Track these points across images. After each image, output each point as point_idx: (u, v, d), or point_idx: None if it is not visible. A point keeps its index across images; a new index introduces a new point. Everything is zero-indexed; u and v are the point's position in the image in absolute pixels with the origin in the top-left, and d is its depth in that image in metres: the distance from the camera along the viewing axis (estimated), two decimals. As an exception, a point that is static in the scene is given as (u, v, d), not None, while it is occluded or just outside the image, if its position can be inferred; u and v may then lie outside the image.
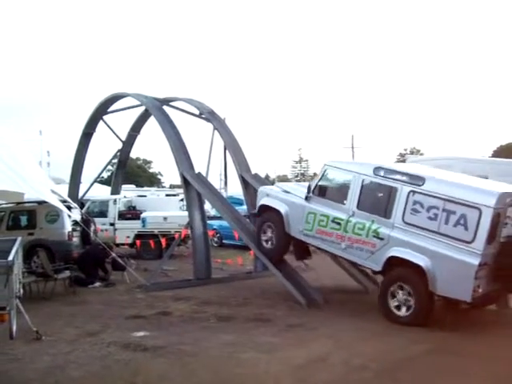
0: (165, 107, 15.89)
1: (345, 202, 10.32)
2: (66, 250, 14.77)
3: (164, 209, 19.96)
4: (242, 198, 15.88)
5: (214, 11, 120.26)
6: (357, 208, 10.10)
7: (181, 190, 19.76)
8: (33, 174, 12.26)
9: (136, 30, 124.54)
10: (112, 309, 10.65)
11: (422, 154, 62.41)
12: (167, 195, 26.62)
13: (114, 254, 13.62)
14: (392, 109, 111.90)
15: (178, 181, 17.91)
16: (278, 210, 11.34)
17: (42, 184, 12.51)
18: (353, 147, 57.70)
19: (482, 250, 8.45)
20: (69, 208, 14.56)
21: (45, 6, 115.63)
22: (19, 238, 8.59)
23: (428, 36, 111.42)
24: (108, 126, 19.06)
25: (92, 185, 21.74)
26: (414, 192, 9.32)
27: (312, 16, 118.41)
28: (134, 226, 19.39)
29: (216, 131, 16.05)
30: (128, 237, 19.26)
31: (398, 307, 9.26)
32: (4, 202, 17.17)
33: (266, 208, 11.75)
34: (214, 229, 21.42)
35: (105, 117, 18.70)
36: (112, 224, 19.76)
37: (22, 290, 8.18)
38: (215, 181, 40.26)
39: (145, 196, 25.14)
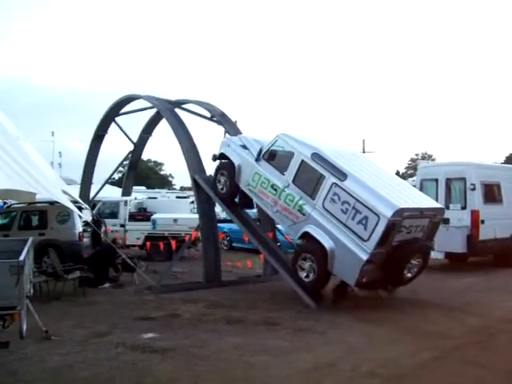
0: (176, 109, 15.92)
1: (285, 173, 11.45)
2: (76, 250, 14.84)
3: (174, 211, 20.02)
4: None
5: (228, 15, 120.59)
6: (292, 182, 11.26)
7: (191, 193, 19.82)
8: (45, 174, 12.32)
9: (149, 31, 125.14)
10: (121, 310, 10.68)
11: (433, 160, 62.33)
12: (178, 197, 26.68)
13: (123, 255, 13.66)
14: (404, 114, 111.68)
15: (188, 183, 18.01)
16: (232, 161, 12.60)
17: (53, 184, 12.55)
18: (364, 152, 57.43)
19: (372, 249, 9.79)
20: (80, 209, 14.62)
21: (58, 7, 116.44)
22: (30, 238, 8.62)
23: (443, 41, 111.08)
24: (120, 127, 19.14)
25: (103, 186, 21.84)
26: (336, 184, 10.46)
27: (327, 22, 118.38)
28: (145, 227, 19.47)
29: (227, 134, 16.06)
30: (138, 238, 19.32)
31: (304, 273, 10.79)
32: (16, 202, 17.28)
33: (223, 156, 13.01)
34: (224, 232, 21.42)
35: (117, 118, 18.77)
36: (122, 225, 19.86)
37: (32, 290, 8.21)
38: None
39: (155, 198, 25.23)
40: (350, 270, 10.10)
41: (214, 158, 13.41)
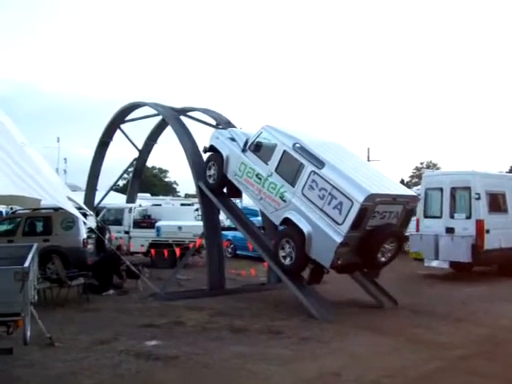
0: (182, 117, 15.94)
1: (268, 162, 12.01)
2: (80, 256, 14.84)
3: (179, 218, 20.01)
4: (257, 209, 15.86)
5: (233, 23, 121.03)
6: (275, 171, 11.82)
7: (196, 200, 19.80)
8: (50, 180, 12.34)
9: (155, 40, 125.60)
10: (125, 317, 10.67)
11: (438, 168, 62.18)
12: (182, 205, 26.68)
13: (128, 262, 13.64)
14: (409, 122, 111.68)
15: (193, 190, 18.02)
16: (221, 152, 13.13)
17: (58, 191, 12.58)
18: (369, 160, 57.36)
19: (346, 232, 10.24)
20: (84, 215, 14.63)
21: (65, 15, 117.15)
22: (35, 245, 8.62)
23: (449, 50, 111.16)
24: (125, 134, 19.16)
25: (108, 193, 21.85)
26: (314, 172, 10.97)
27: (332, 31, 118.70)
28: (149, 234, 19.46)
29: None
30: (142, 245, 19.32)
31: (284, 257, 11.30)
32: (20, 208, 17.31)
33: (213, 149, 13.50)
34: (228, 239, 21.40)
35: (122, 125, 18.81)
36: (127, 232, 19.85)
37: (36, 297, 8.22)
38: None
39: (160, 205, 25.22)
40: (326, 253, 10.59)
41: (205, 150, 13.93)
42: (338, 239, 10.32)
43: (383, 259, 11.09)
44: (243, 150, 12.66)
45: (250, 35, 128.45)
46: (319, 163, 11.01)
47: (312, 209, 10.89)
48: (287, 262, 11.32)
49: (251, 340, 8.90)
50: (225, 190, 13.87)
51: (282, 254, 11.40)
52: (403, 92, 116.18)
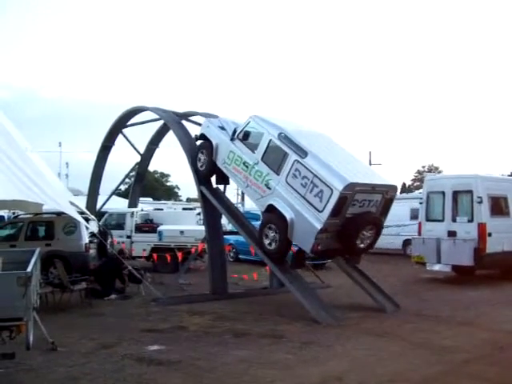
0: (183, 122, 15.97)
1: (255, 151, 12.37)
2: (82, 261, 14.84)
3: (181, 222, 20.00)
4: (259, 213, 15.86)
5: (235, 28, 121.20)
6: (261, 159, 12.18)
7: (198, 204, 19.80)
8: (52, 185, 12.36)
9: (157, 44, 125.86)
10: (127, 321, 10.66)
11: (440, 172, 62.15)
12: (184, 209, 26.68)
13: (130, 267, 13.65)
14: (411, 126, 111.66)
15: (195, 194, 18.02)
16: (211, 141, 13.54)
17: (60, 195, 12.60)
18: (370, 164, 57.28)
19: (325, 219, 10.64)
20: (86, 220, 14.64)
21: (66, 19, 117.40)
22: (38, 249, 8.61)
23: (451, 54, 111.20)
24: (127, 139, 19.20)
25: (110, 197, 21.87)
26: (297, 161, 11.32)
27: (335, 35, 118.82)
28: (151, 239, 19.45)
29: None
30: (144, 250, 19.31)
31: (268, 242, 11.74)
32: (23, 213, 17.33)
33: (204, 137, 13.92)
34: (231, 244, 21.40)
35: (124, 130, 18.84)
36: (129, 237, 19.86)
37: (39, 301, 8.20)
38: (232, 196, 40.27)
39: (162, 209, 25.21)
40: (307, 238, 11.01)
41: (196, 138, 14.37)
42: (318, 225, 10.72)
43: (362, 246, 11.54)
44: (232, 139, 13.04)
45: (253, 39, 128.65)
46: (302, 152, 11.34)
47: (295, 196, 11.28)
48: (271, 246, 11.76)
49: (254, 344, 8.87)
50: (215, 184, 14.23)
51: (266, 239, 11.83)
52: (405, 96, 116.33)
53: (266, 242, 11.83)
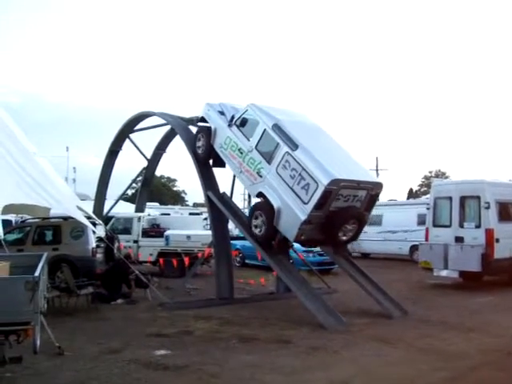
0: (190, 127, 16.00)
1: (250, 139, 12.81)
2: (89, 265, 14.87)
3: (187, 227, 20.02)
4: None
5: (241, 29, 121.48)
6: (255, 147, 12.60)
7: (204, 209, 19.80)
8: (59, 189, 12.40)
9: (163, 49, 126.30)
10: (133, 326, 10.67)
11: (447, 177, 61.85)
12: (191, 214, 26.70)
13: (137, 272, 13.67)
14: (418, 131, 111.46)
15: (201, 199, 18.00)
16: (210, 125, 14.07)
17: (68, 200, 12.64)
18: (377, 169, 57.24)
19: (309, 211, 11.09)
20: (94, 224, 14.68)
21: (72, 25, 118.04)
22: (45, 254, 8.64)
23: (458, 59, 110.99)
24: (134, 144, 19.23)
25: (117, 202, 21.90)
26: (288, 153, 11.70)
27: (342, 40, 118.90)
28: (158, 243, 19.48)
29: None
30: (151, 254, 19.34)
31: (256, 227, 12.32)
32: (30, 217, 17.39)
33: (203, 120, 14.48)
34: (237, 249, 21.40)
35: (131, 135, 18.88)
36: (136, 241, 19.89)
37: (46, 305, 8.22)
38: (239, 201, 40.29)
39: (168, 214, 25.22)
40: (291, 228, 11.51)
41: (196, 121, 14.85)
42: (303, 217, 11.17)
43: (344, 238, 12.04)
44: (229, 125, 13.44)
45: (260, 42, 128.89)
46: (293, 145, 11.70)
47: (283, 186, 11.71)
48: (258, 232, 12.32)
49: (260, 349, 8.87)
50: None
51: (254, 224, 12.39)
52: (412, 101, 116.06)
53: (254, 226, 12.35)
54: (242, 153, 12.92)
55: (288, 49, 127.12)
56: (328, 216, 11.41)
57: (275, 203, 11.80)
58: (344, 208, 11.53)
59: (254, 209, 12.74)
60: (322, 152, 11.76)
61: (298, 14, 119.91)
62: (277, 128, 12.15)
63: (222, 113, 14.03)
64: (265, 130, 12.39)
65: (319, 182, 10.99)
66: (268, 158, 12.21)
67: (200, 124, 14.67)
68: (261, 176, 12.33)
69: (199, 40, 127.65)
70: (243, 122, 13.10)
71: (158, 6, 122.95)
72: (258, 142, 12.55)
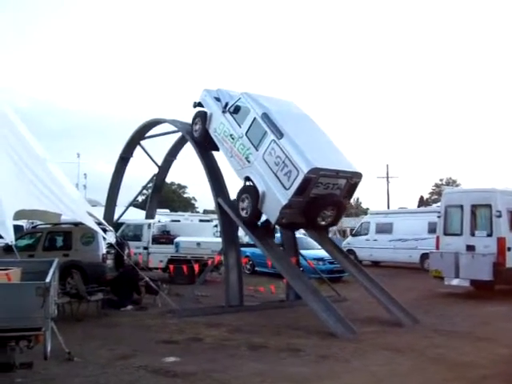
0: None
1: (241, 125, 13.43)
2: (99, 272, 14.86)
3: (198, 234, 20.02)
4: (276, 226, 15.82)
5: (250, 31, 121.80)
6: (245, 134, 13.25)
7: (214, 216, 19.80)
8: (70, 195, 12.46)
9: (174, 56, 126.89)
10: (143, 333, 10.68)
11: (458, 185, 61.60)
12: (201, 221, 26.69)
13: (147, 278, 13.67)
14: (429, 139, 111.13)
15: (212, 206, 18.03)
16: (206, 110, 14.75)
17: (78, 206, 12.70)
18: (388, 177, 57.09)
19: (290, 197, 11.86)
20: (104, 231, 14.71)
21: (84, 32, 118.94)
22: (56, 260, 8.66)
23: (468, 65, 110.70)
24: (145, 150, 19.27)
25: (127, 208, 21.93)
26: (274, 141, 12.41)
27: (351, 46, 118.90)
28: (168, 250, 19.50)
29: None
30: (161, 261, 19.34)
31: (243, 209, 13.07)
32: (41, 223, 17.46)
33: (201, 105, 15.02)
34: (247, 256, 21.33)
35: (142, 142, 18.94)
36: (146, 248, 19.91)
37: (56, 311, 8.25)
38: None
39: (179, 221, 25.23)
40: (273, 211, 12.36)
41: (194, 105, 15.26)
42: (284, 201, 11.96)
43: (323, 223, 12.87)
44: (223, 111, 14.02)
45: (270, 45, 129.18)
46: (279, 134, 12.35)
47: (268, 172, 12.44)
48: (244, 214, 13.06)
49: (270, 357, 8.84)
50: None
51: (241, 207, 13.11)
52: (424, 109, 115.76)
53: (241, 209, 13.07)
54: (233, 138, 13.59)
55: (291, 44, 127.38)
56: (308, 202, 12.11)
57: (260, 187, 12.59)
58: (323, 195, 12.25)
59: (241, 192, 13.29)
60: (306, 141, 12.46)
61: (310, 10, 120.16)
62: (265, 116, 12.79)
63: (217, 99, 14.55)
64: (255, 118, 13.04)
65: (300, 170, 11.69)
66: (256, 144, 12.88)
67: (198, 109, 15.16)
68: (249, 161, 13.03)
69: (207, 47, 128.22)
70: (236, 110, 13.72)
71: (168, 17, 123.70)
72: (248, 129, 13.20)
